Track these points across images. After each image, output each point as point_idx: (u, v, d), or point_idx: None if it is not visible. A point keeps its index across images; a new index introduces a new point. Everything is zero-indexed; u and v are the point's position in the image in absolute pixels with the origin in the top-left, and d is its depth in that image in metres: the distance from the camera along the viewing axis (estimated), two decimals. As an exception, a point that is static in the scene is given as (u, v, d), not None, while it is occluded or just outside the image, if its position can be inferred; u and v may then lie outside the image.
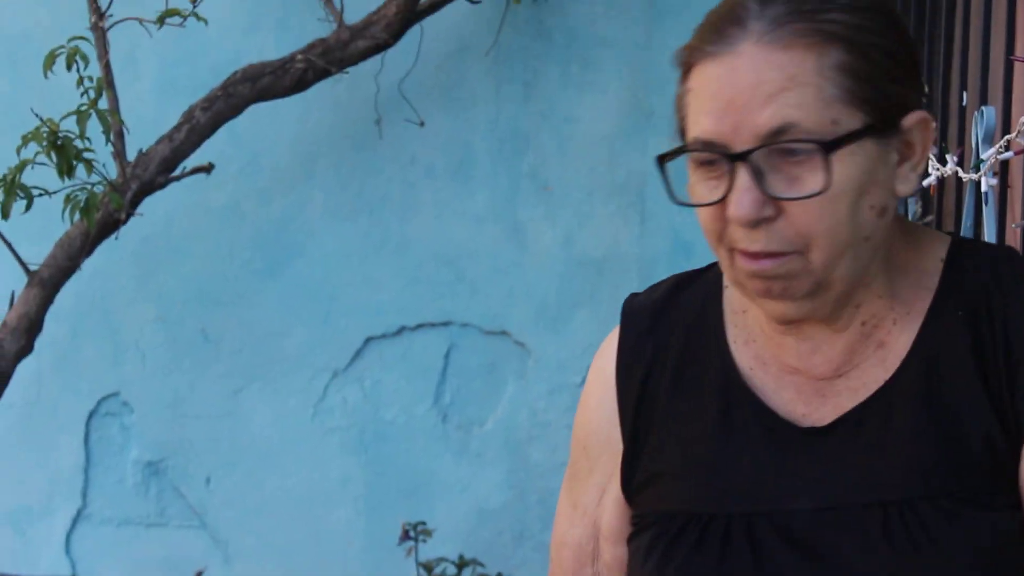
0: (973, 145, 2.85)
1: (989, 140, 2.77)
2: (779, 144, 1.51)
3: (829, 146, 1.52)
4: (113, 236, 3.93)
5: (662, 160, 1.59)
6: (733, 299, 1.70)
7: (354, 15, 4.09)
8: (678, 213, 4.23)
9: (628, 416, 1.72)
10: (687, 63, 1.58)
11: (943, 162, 2.97)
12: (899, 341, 1.62)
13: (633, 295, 1.78)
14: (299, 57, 4.03)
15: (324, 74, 4.05)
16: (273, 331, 4.33)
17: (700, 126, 1.55)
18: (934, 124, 1.61)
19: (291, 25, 4.23)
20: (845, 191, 1.53)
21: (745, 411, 1.65)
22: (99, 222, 3.85)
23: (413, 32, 4.15)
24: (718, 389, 1.67)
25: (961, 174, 2.88)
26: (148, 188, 3.94)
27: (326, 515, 4.34)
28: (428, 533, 4.11)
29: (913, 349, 1.61)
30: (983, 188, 2.77)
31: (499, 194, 4.33)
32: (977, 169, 2.76)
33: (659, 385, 1.70)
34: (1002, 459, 1.57)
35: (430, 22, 4.18)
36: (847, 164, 1.53)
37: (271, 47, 4.18)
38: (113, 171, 3.90)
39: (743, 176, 1.51)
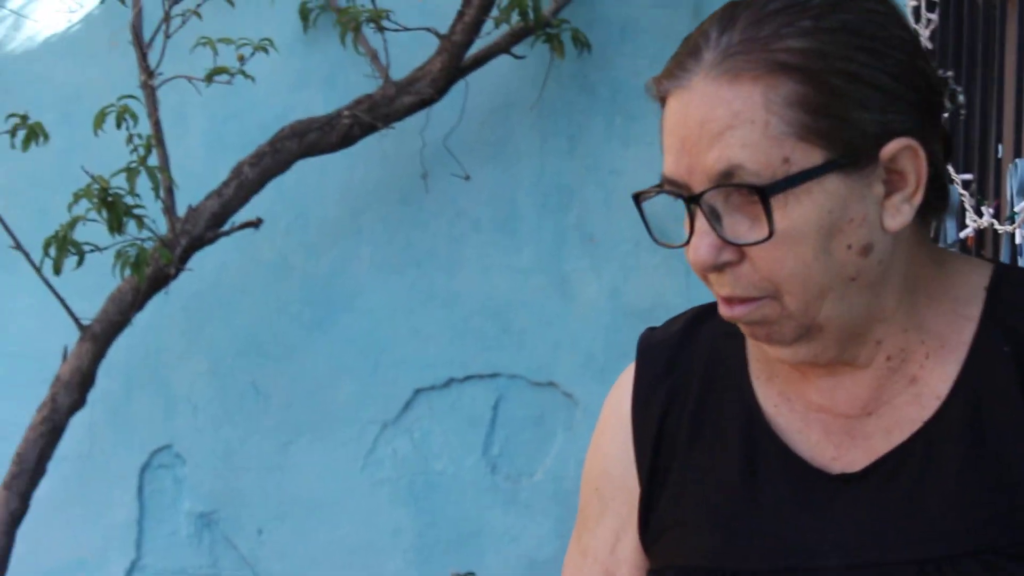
0: (1008, 197, 2.85)
1: (1023, 192, 2.78)
2: (725, 188, 1.40)
3: (770, 189, 1.39)
4: (163, 291, 3.99)
5: (638, 198, 1.49)
6: None
7: (400, 71, 4.15)
8: (723, 263, 4.25)
9: (646, 456, 1.59)
10: (659, 96, 1.47)
11: (979, 214, 2.97)
12: (934, 376, 1.48)
13: (650, 329, 1.68)
14: (345, 113, 4.09)
15: (370, 129, 4.10)
16: (322, 384, 4.36)
17: (665, 164, 1.45)
18: (923, 152, 1.44)
19: (338, 82, 4.29)
20: (805, 233, 1.41)
21: (770, 456, 1.52)
22: (149, 277, 3.91)
23: (458, 88, 4.20)
24: (740, 430, 1.54)
25: (996, 226, 2.88)
26: (198, 243, 4.00)
27: (377, 566, 4.36)
28: (477, 582, 4.14)
29: (956, 387, 1.47)
30: (1018, 240, 2.77)
31: (544, 247, 4.36)
32: (1012, 221, 2.76)
33: (678, 424, 1.57)
34: None
35: (474, 77, 4.23)
36: (804, 205, 1.40)
37: (319, 103, 4.24)
38: (163, 226, 3.97)
39: (700, 219, 1.41)
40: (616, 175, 4.34)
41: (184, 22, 3.84)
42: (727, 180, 1.39)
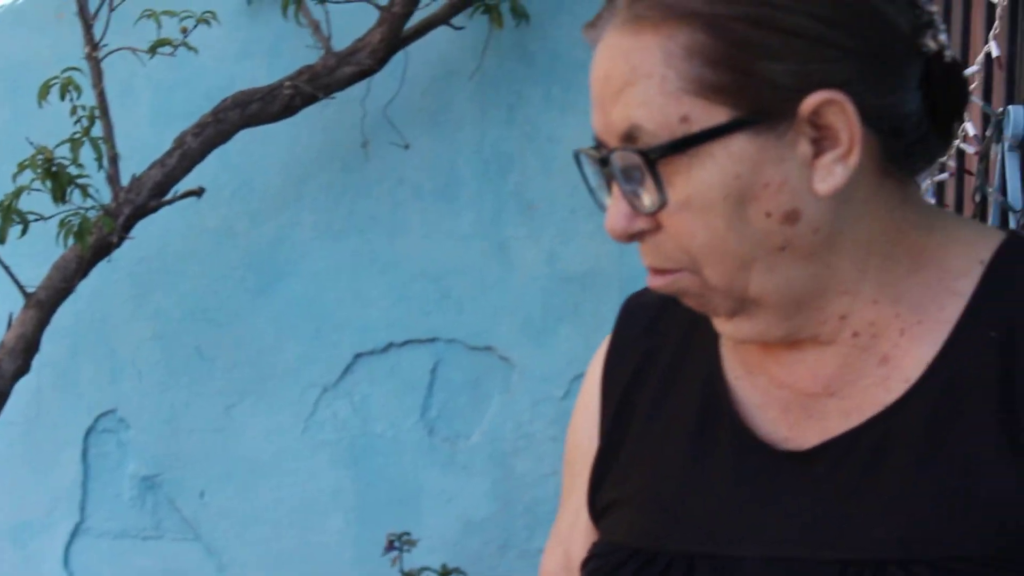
0: (995, 149, 2.78)
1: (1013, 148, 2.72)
2: (624, 150, 1.28)
3: (659, 152, 1.26)
4: (107, 259, 4.02)
5: (577, 156, 1.36)
6: None
7: (341, 42, 4.18)
8: (658, 231, 4.33)
9: (605, 428, 1.47)
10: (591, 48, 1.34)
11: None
12: (909, 356, 1.31)
13: (639, 292, 1.51)
14: (287, 83, 4.12)
15: (312, 99, 4.14)
16: (265, 348, 4.42)
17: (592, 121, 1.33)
18: (852, 106, 1.27)
19: (280, 52, 4.32)
20: (711, 200, 1.27)
21: (722, 429, 1.38)
22: (93, 245, 3.94)
23: (398, 58, 4.24)
24: (700, 399, 1.40)
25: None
26: (141, 212, 4.03)
27: (317, 526, 4.43)
28: (412, 543, 4.19)
29: (929, 371, 1.30)
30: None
31: (484, 213, 4.42)
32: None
33: (643, 394, 1.45)
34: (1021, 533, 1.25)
35: (415, 48, 4.27)
36: (708, 169, 1.27)
37: (262, 74, 4.27)
38: (107, 196, 4.00)
39: (615, 185, 1.30)
40: (554, 143, 4.39)
41: (128, -6, 3.87)
42: (630, 142, 1.27)
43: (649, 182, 1.27)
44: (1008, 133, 2.45)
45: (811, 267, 1.30)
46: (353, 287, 4.42)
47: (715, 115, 1.25)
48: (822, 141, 1.27)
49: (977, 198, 2.57)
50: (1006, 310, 1.30)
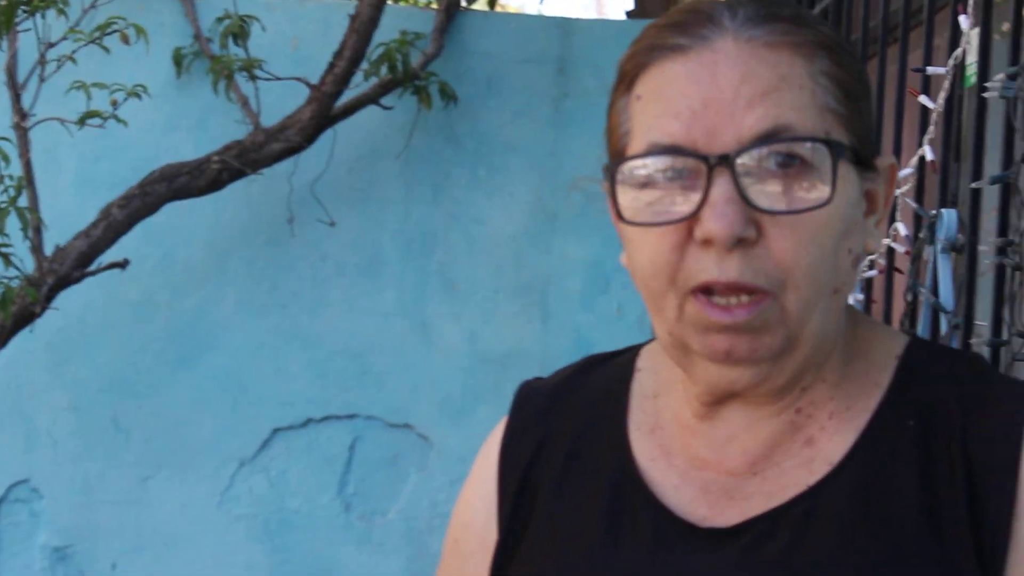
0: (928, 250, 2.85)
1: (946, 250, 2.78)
2: (775, 145, 1.27)
3: (840, 151, 1.28)
4: (28, 328, 4.00)
5: (616, 166, 1.32)
6: (646, 383, 1.47)
7: (270, 118, 4.22)
8: (580, 312, 4.38)
9: (506, 510, 1.47)
10: (637, 65, 1.34)
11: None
12: (832, 441, 1.36)
13: (533, 379, 1.55)
14: (215, 158, 4.13)
15: (239, 174, 4.16)
16: (182, 421, 4.40)
17: (661, 130, 1.30)
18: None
19: (209, 127, 4.34)
20: (833, 220, 1.29)
21: (636, 510, 1.39)
22: (15, 314, 3.91)
23: (327, 135, 4.28)
24: (609, 484, 1.41)
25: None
26: (64, 282, 4.01)
27: (230, 602, 4.41)
28: (329, 622, 4.19)
29: (849, 456, 1.35)
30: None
31: (407, 292, 4.44)
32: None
33: (544, 476, 1.46)
34: None
35: (343, 126, 4.31)
36: (844, 187, 1.30)
37: (189, 147, 4.29)
38: (31, 265, 3.98)
39: (724, 185, 1.26)
40: (478, 224, 4.44)
41: (59, 66, 3.86)
42: (770, 142, 1.27)
43: (823, 176, 1.27)
44: (941, 235, 2.50)
45: (835, 323, 1.35)
46: (274, 362, 4.41)
47: (845, 140, 1.30)
48: (868, 202, 1.34)
49: (909, 297, 2.63)
50: (918, 403, 1.35)
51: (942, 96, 2.65)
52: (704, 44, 1.30)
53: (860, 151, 1.31)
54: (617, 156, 1.34)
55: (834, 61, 1.31)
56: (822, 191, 1.26)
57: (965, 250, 2.54)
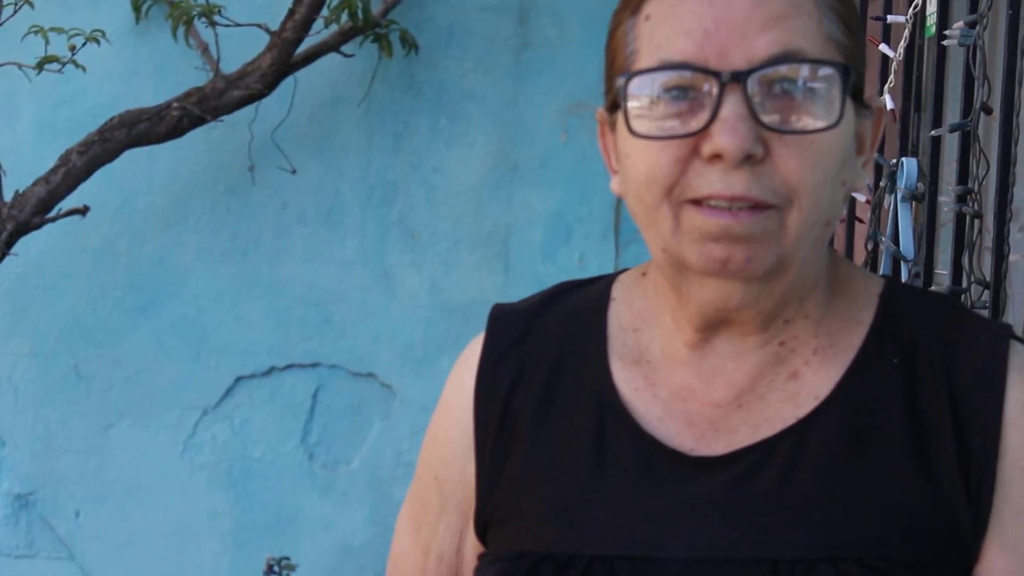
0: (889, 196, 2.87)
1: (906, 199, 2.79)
2: (787, 66, 1.30)
3: (850, 74, 1.32)
4: (-13, 274, 3.99)
5: (630, 79, 1.34)
6: (622, 314, 1.48)
7: (230, 65, 4.19)
8: (541, 263, 4.38)
9: (487, 442, 1.47)
10: None
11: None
12: (817, 376, 1.40)
13: (505, 304, 1.55)
14: (175, 105, 4.11)
15: (199, 121, 4.13)
16: (144, 369, 4.39)
17: (673, 48, 1.32)
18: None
19: (168, 73, 4.31)
20: (836, 147, 1.32)
21: (621, 439, 1.41)
22: (-26, 262, 3.90)
23: (287, 83, 4.25)
24: (593, 413, 1.43)
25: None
26: (24, 228, 3.99)
27: (193, 549, 4.41)
28: (292, 567, 4.18)
29: (836, 391, 1.39)
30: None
31: (368, 241, 4.43)
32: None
33: (524, 405, 1.46)
34: (937, 541, 1.35)
35: (304, 74, 4.28)
36: (847, 115, 1.34)
37: (149, 94, 4.26)
38: (-10, 212, 3.96)
39: (735, 102, 1.29)
40: (439, 173, 4.43)
41: (16, 10, 3.83)
42: (783, 62, 1.31)
43: (830, 101, 1.30)
44: (902, 185, 2.51)
45: (818, 256, 1.39)
46: (235, 310, 4.41)
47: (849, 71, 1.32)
48: (859, 143, 1.38)
49: (869, 246, 2.64)
50: (901, 340, 1.40)
51: (902, 45, 2.66)
52: None
53: (858, 84, 1.36)
54: (618, 75, 1.36)
55: None
56: (830, 115, 1.30)
57: (925, 199, 2.55)
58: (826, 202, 1.32)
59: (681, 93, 1.31)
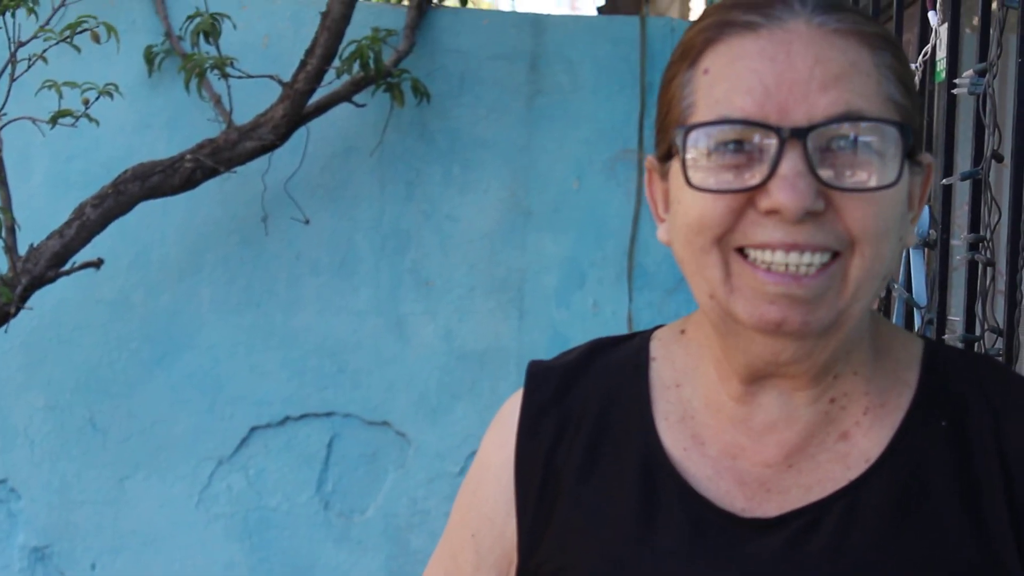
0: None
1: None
2: (848, 124, 1.29)
3: (907, 135, 1.32)
4: (3, 328, 3.99)
5: (688, 132, 1.33)
6: (664, 373, 1.47)
7: (243, 116, 4.21)
8: (556, 309, 4.38)
9: (530, 498, 1.46)
10: (706, 40, 1.35)
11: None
12: (867, 438, 1.40)
13: (539, 360, 1.53)
14: (188, 156, 4.12)
15: (213, 173, 4.14)
16: (159, 420, 4.39)
17: (733, 105, 1.31)
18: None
19: (181, 125, 4.33)
20: (898, 200, 1.33)
21: (672, 499, 1.40)
22: (-10, 315, 3.91)
23: (299, 133, 4.27)
24: (639, 473, 1.42)
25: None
26: (38, 282, 4.00)
27: (209, 600, 4.41)
28: (307, 620, 4.19)
29: (886, 453, 1.38)
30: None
31: (382, 289, 4.44)
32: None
33: (567, 462, 1.45)
34: None
35: (316, 124, 4.30)
36: (907, 174, 1.34)
37: (162, 146, 4.28)
38: (4, 265, 3.97)
39: (794, 159, 1.28)
40: (452, 221, 4.44)
41: (30, 66, 3.84)
42: (843, 121, 1.30)
43: (889, 160, 1.30)
44: (914, 231, 2.51)
45: (868, 312, 1.38)
46: (249, 360, 4.41)
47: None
48: (908, 199, 1.37)
49: (882, 293, 2.64)
50: (948, 403, 1.40)
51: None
52: (777, 24, 1.32)
53: (912, 146, 1.34)
54: (671, 129, 1.36)
55: (895, 56, 1.34)
56: (890, 174, 1.29)
57: (937, 246, 2.55)
58: (888, 253, 1.32)
59: (738, 146, 1.30)
